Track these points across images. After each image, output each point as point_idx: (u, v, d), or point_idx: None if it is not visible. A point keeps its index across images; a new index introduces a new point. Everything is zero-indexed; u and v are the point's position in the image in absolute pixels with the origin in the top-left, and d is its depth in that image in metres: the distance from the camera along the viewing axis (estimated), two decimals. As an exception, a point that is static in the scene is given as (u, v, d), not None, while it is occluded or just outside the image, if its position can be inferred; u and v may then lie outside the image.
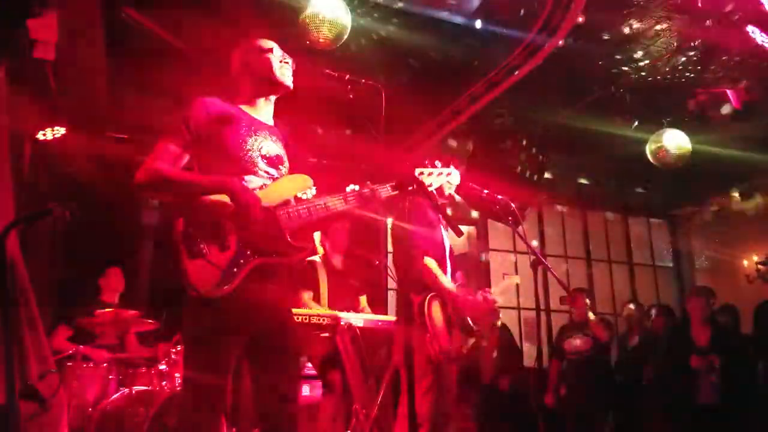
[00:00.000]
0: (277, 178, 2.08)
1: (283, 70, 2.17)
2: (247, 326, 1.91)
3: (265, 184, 2.02)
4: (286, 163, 2.16)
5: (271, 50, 2.18)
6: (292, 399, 1.97)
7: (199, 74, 4.35)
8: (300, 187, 2.09)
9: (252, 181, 1.99)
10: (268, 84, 2.17)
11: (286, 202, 2.02)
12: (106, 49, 4.09)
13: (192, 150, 2.00)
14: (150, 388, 3.79)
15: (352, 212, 2.14)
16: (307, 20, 3.57)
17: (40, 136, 4.46)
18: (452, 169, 2.34)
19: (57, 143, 4.60)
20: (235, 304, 1.84)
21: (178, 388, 3.69)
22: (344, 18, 3.61)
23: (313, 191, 2.14)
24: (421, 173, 2.25)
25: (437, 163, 2.30)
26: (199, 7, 3.82)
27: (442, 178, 2.29)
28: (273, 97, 2.23)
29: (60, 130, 4.53)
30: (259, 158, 2.05)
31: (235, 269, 1.85)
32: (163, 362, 3.92)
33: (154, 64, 4.31)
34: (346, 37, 3.64)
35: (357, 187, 2.14)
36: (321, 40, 3.60)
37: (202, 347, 1.87)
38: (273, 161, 2.10)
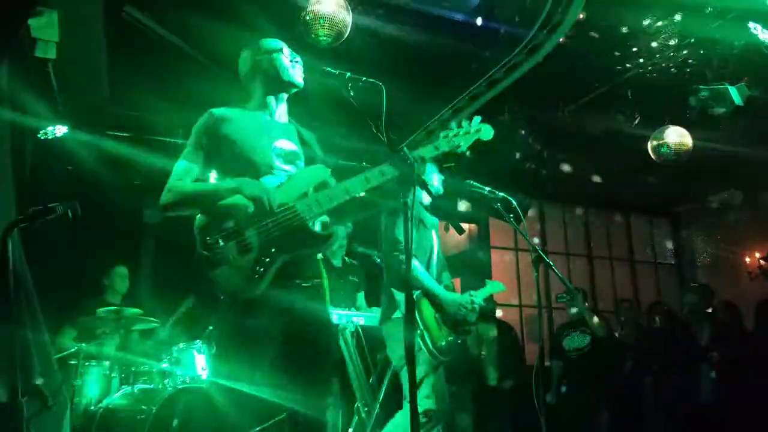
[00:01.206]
0: (293, 173, 2.09)
1: (295, 69, 2.20)
2: (281, 326, 1.91)
3: (282, 183, 2.02)
4: (303, 157, 2.17)
5: (281, 50, 2.20)
6: (324, 397, 1.97)
7: (201, 73, 4.36)
8: (317, 177, 2.07)
9: (270, 182, 2.01)
10: (280, 84, 2.19)
11: (305, 194, 2.00)
12: (107, 48, 4.10)
13: (212, 161, 2.06)
14: (153, 386, 3.80)
15: (374, 197, 2.08)
16: (308, 18, 3.57)
17: (41, 135, 4.47)
18: (483, 125, 2.07)
19: (59, 142, 4.61)
20: (267, 305, 1.85)
21: (181, 386, 3.70)
22: (345, 16, 3.61)
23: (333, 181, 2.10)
24: (446, 135, 2.06)
25: (464, 123, 2.07)
26: (199, 6, 3.82)
27: (471, 136, 2.06)
28: (284, 95, 2.24)
29: (62, 129, 4.54)
30: (274, 157, 2.07)
31: (261, 269, 1.84)
32: (166, 360, 3.93)
33: (156, 62, 4.31)
34: (346, 35, 3.64)
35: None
36: (322, 39, 3.61)
37: (238, 351, 1.89)
38: (289, 157, 2.11)
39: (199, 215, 1.94)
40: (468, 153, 2.09)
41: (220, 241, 1.86)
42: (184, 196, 1.98)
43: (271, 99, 2.20)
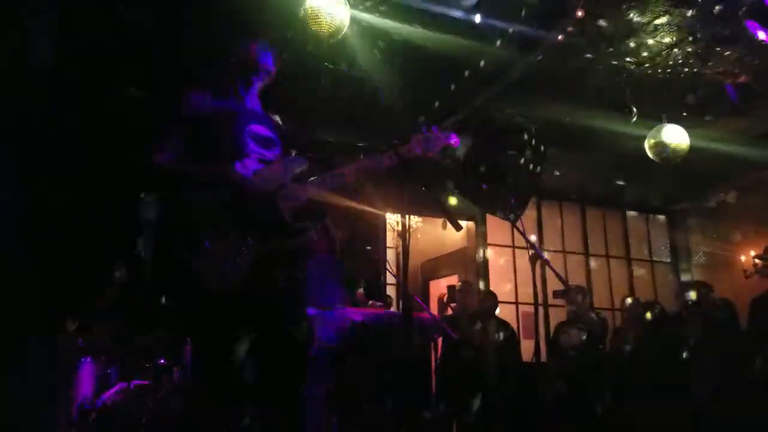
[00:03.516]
0: (270, 159, 2.06)
1: (268, 56, 2.18)
2: (256, 318, 1.87)
3: (257, 169, 2.00)
4: (279, 146, 2.14)
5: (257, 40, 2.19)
6: (300, 398, 1.93)
7: (197, 69, 4.34)
8: (294, 168, 2.04)
9: (246, 165, 1.98)
10: (252, 69, 2.16)
11: (282, 185, 1.98)
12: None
13: (184, 143, 1.99)
14: (149, 382, 3.80)
15: (353, 190, 2.11)
16: (306, 15, 3.56)
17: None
18: (452, 134, 2.19)
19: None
20: (243, 295, 1.81)
21: (177, 382, 3.70)
22: (343, 13, 3.60)
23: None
24: (417, 139, 2.13)
25: (434, 128, 2.17)
26: (196, 3, 3.81)
27: (442, 141, 2.16)
28: (257, 84, 2.20)
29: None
30: (250, 140, 2.04)
31: (237, 258, 1.82)
32: (162, 356, 3.92)
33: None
34: (344, 32, 3.63)
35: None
36: (320, 34, 3.59)
37: (212, 342, 1.85)
38: (265, 142, 2.08)
39: (176, 204, 1.89)
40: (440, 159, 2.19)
41: (198, 228, 1.83)
42: (159, 175, 1.95)
43: (239, 87, 2.17)
